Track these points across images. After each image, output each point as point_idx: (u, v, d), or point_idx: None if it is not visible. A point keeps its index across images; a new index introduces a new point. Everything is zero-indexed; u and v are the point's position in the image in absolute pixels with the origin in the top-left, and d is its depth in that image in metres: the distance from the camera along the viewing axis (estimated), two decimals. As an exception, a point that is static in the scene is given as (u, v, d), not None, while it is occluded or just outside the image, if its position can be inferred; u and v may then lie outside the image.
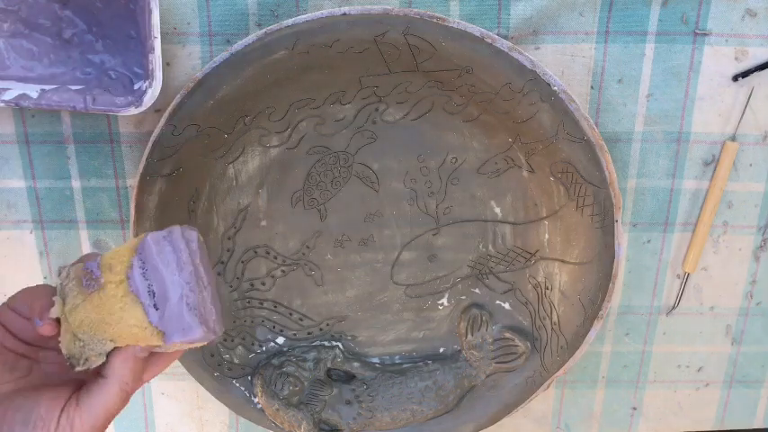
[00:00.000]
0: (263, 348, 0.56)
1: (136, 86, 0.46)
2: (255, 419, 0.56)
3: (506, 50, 0.45)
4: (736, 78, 0.49)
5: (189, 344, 0.37)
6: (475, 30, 0.45)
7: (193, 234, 0.38)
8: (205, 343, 0.37)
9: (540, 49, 0.48)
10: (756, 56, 0.49)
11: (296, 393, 0.55)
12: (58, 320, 0.37)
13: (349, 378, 0.56)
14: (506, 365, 0.55)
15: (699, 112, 0.50)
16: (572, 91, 0.49)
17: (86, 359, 0.36)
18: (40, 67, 0.47)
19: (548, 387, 0.54)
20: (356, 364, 0.56)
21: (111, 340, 0.36)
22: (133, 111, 0.45)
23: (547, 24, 0.48)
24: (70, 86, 0.46)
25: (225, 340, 0.55)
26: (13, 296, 0.39)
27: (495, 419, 0.56)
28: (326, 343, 0.56)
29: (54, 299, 0.37)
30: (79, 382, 0.38)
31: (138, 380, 0.38)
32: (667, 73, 0.49)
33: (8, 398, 0.36)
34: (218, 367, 0.54)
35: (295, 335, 0.56)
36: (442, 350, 0.57)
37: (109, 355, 0.37)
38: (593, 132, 0.47)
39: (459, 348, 0.56)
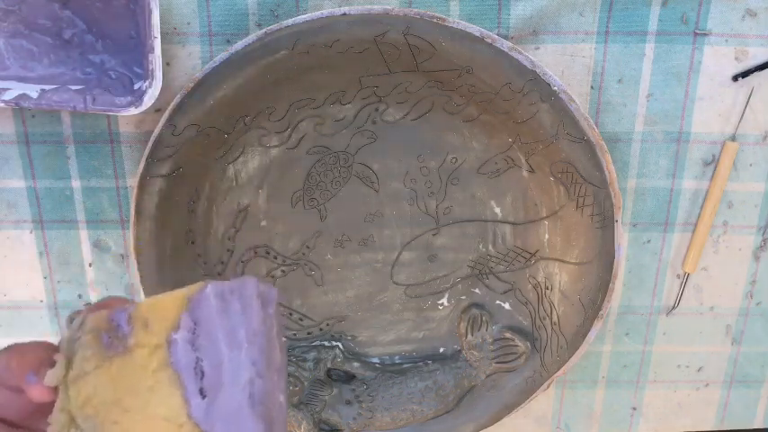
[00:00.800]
0: (263, 348, 0.56)
1: (136, 86, 0.46)
2: (255, 419, 0.56)
3: (506, 50, 0.45)
4: (736, 78, 0.49)
5: None
6: (475, 30, 0.45)
7: (272, 293, 0.27)
8: None
9: (540, 49, 0.48)
10: (756, 56, 0.49)
11: (296, 393, 0.55)
12: (56, 389, 0.27)
13: (349, 378, 0.56)
14: (506, 365, 0.55)
15: (699, 112, 0.50)
16: (572, 91, 0.49)
17: None
18: (40, 67, 0.47)
19: (548, 387, 0.54)
20: (356, 364, 0.56)
21: None
22: (133, 111, 0.45)
23: (547, 24, 0.48)
24: (70, 86, 0.46)
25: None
26: None
27: (495, 419, 0.56)
28: (326, 343, 0.56)
29: (56, 356, 0.27)
30: None
31: None
32: (667, 73, 0.49)
33: None
34: (218, 367, 0.54)
35: (295, 335, 0.56)
36: (442, 350, 0.57)
37: None
38: (593, 132, 0.47)
39: (459, 348, 0.56)
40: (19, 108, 0.49)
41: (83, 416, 0.26)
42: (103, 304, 0.28)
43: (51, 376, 0.26)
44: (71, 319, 0.27)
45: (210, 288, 0.26)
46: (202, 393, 0.25)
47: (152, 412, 0.25)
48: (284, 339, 0.27)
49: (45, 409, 0.28)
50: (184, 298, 0.26)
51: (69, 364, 0.26)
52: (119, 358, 0.26)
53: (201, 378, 0.25)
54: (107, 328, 0.26)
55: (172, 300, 0.26)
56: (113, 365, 0.26)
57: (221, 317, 0.25)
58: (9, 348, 0.28)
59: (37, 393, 0.27)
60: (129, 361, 0.26)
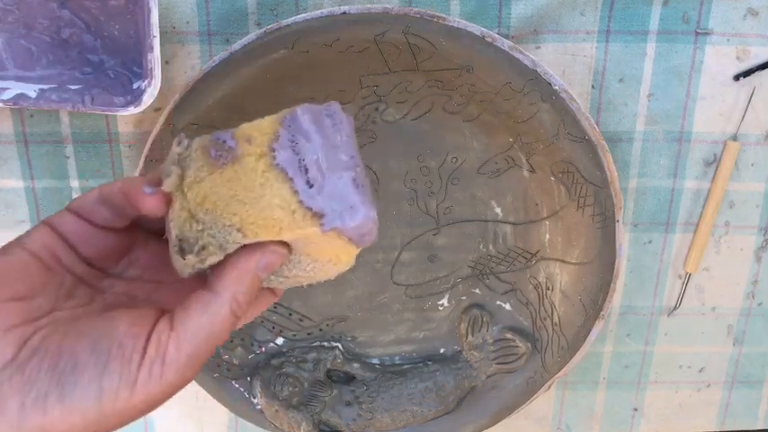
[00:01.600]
0: (263, 349, 0.56)
1: (135, 86, 0.46)
2: (255, 420, 0.56)
3: (507, 50, 0.45)
4: (737, 78, 0.49)
5: (347, 238, 0.29)
6: (475, 29, 0.44)
7: (351, 118, 0.31)
8: (366, 243, 0.30)
9: (540, 48, 0.48)
10: (758, 55, 0.49)
11: (295, 394, 0.54)
12: (169, 202, 0.30)
13: (349, 379, 0.56)
14: (507, 366, 0.55)
15: (700, 111, 0.50)
16: (573, 90, 0.49)
17: (203, 247, 0.29)
18: (38, 66, 0.47)
19: (548, 388, 0.54)
20: (356, 365, 0.56)
21: (238, 229, 0.29)
22: (132, 110, 0.45)
23: (547, 23, 0.48)
24: (69, 86, 0.46)
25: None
26: (78, 198, 0.31)
27: (495, 420, 0.56)
28: (326, 344, 0.56)
29: (171, 167, 0.29)
30: (162, 309, 0.30)
31: (250, 305, 0.30)
32: (668, 72, 0.49)
33: (65, 324, 0.28)
34: (217, 368, 0.54)
35: (295, 335, 0.56)
36: (442, 351, 0.57)
37: (221, 264, 0.30)
38: (593, 132, 0.47)
39: (459, 349, 0.56)
40: (17, 108, 0.48)
41: (202, 210, 0.29)
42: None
43: (169, 182, 0.29)
44: (178, 142, 0.30)
45: (301, 108, 0.30)
46: (309, 184, 0.29)
47: (266, 203, 0.29)
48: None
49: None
50: (278, 119, 0.30)
51: (182, 176, 0.29)
52: (229, 166, 0.29)
53: (306, 173, 0.29)
54: (213, 145, 0.29)
55: (268, 120, 0.30)
56: (226, 171, 0.29)
57: (315, 127, 0.29)
58: (98, 188, 0.31)
59: (151, 203, 0.29)
60: (239, 167, 0.29)
